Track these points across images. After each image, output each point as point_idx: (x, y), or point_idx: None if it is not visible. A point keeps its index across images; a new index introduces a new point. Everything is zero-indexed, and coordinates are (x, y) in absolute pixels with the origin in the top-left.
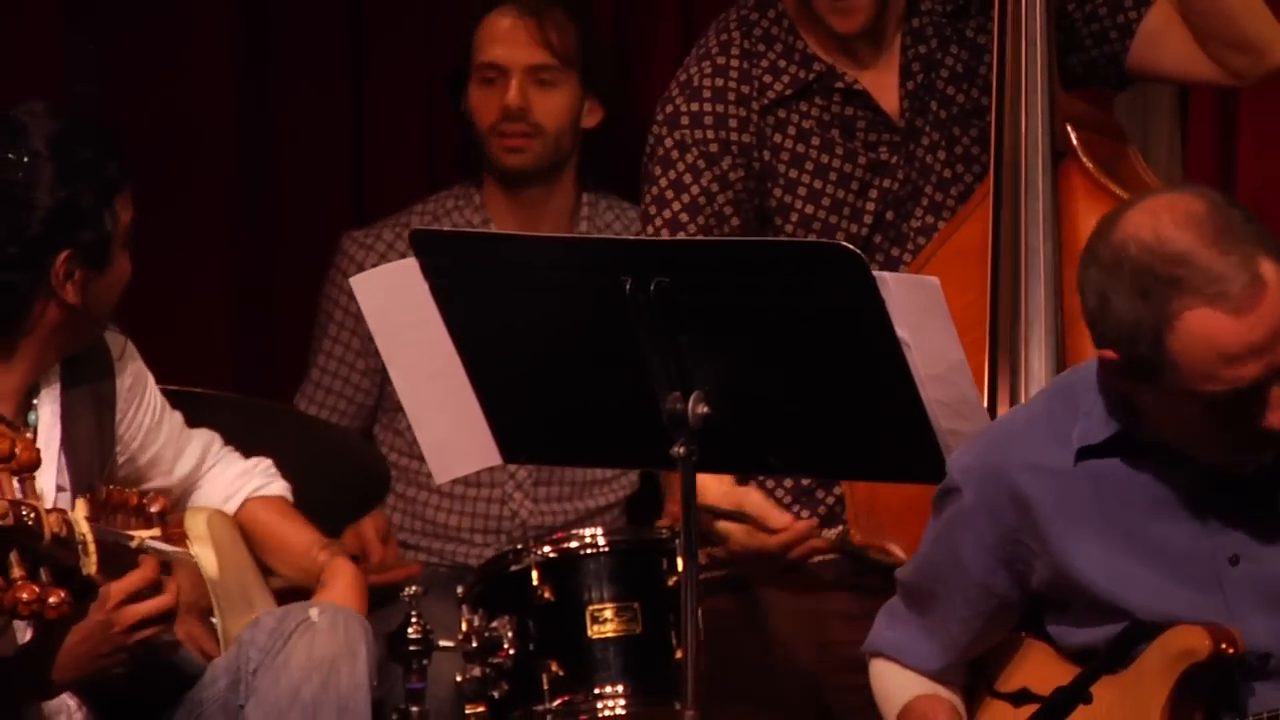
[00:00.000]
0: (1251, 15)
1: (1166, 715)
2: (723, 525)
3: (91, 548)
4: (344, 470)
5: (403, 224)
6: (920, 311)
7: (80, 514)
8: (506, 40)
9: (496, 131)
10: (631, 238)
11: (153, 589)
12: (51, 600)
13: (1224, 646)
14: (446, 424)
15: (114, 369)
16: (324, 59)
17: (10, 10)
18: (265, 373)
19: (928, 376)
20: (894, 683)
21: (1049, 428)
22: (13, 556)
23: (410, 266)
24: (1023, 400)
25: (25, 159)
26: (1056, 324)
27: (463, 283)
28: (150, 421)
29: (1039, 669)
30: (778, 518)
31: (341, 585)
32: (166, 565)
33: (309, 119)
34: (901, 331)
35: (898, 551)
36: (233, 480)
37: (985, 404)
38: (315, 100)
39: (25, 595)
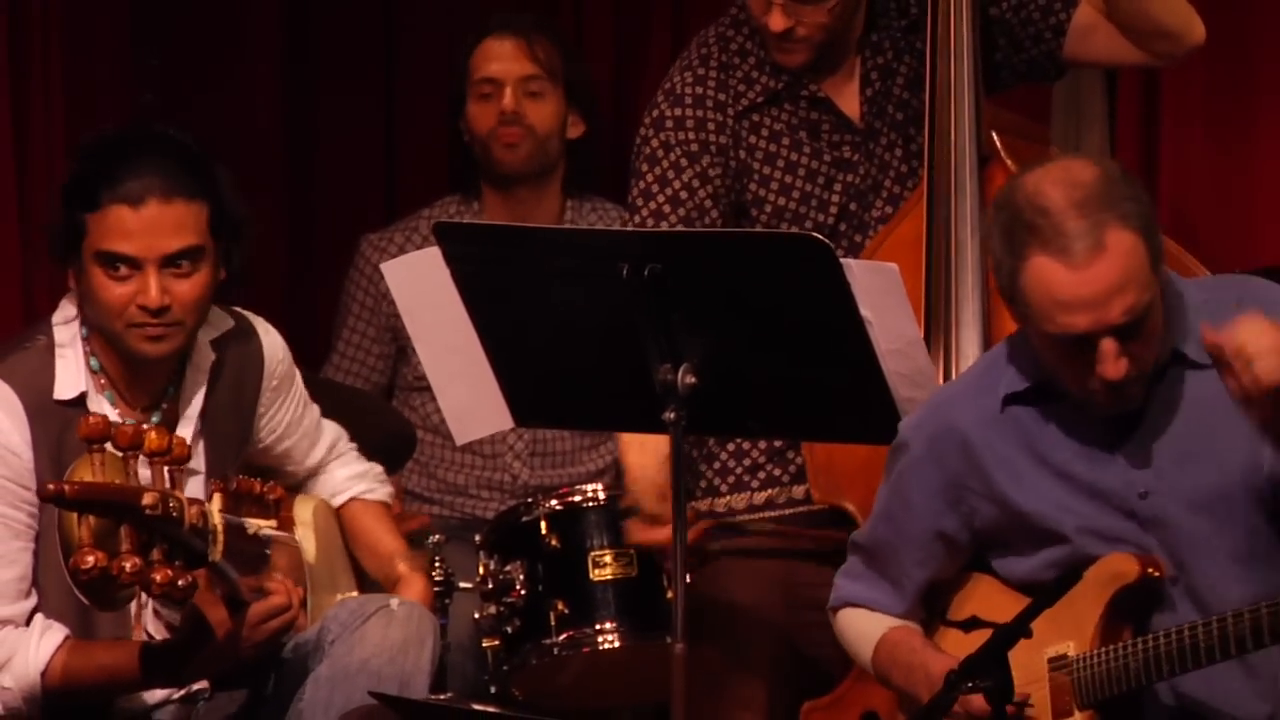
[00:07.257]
0: (1165, 6)
1: (1100, 632)
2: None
3: (220, 537)
4: (377, 431)
5: (411, 228)
6: (881, 293)
7: (215, 506)
8: (500, 58)
9: (494, 134)
10: (629, 229)
11: (283, 609)
12: (180, 583)
13: (1150, 571)
14: (465, 392)
15: (263, 372)
16: (360, 70)
17: (83, 28)
18: (308, 348)
19: (888, 351)
20: (866, 625)
21: (981, 385)
22: (155, 542)
23: (434, 254)
24: (954, 373)
25: (112, 139)
26: (983, 308)
27: (480, 268)
28: (291, 418)
29: (986, 598)
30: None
31: (414, 596)
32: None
33: (346, 124)
34: (865, 311)
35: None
36: (345, 480)
37: None
38: (352, 109)
39: (159, 577)
